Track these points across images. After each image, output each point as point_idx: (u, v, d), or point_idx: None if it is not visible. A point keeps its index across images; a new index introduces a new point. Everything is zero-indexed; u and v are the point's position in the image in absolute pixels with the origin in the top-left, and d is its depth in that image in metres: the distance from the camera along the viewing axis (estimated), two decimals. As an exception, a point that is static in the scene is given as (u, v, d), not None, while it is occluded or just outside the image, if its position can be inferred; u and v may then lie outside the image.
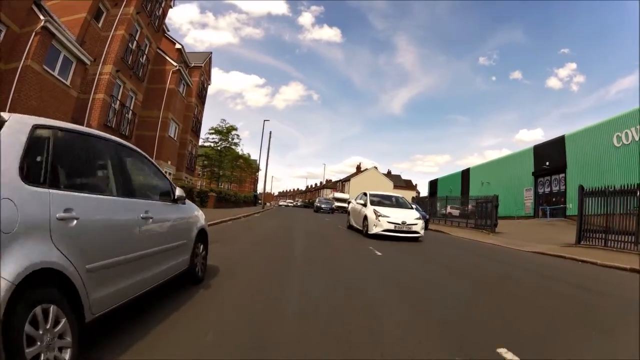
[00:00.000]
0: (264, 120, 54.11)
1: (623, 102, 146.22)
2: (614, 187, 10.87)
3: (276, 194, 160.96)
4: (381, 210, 11.68)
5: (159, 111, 23.20)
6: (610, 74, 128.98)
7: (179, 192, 3.77)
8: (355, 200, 14.62)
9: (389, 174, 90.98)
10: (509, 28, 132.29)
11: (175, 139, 25.69)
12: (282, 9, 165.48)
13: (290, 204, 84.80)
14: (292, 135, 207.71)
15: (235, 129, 40.10)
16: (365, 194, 13.36)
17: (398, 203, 13.36)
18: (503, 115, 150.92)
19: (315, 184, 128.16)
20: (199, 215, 4.51)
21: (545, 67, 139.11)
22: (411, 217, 11.67)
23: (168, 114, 23.57)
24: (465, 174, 42.58)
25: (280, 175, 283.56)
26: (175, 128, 25.83)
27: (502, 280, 6.23)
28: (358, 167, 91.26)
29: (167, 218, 3.47)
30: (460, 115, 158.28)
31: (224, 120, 41.09)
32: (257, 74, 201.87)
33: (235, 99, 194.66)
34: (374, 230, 11.21)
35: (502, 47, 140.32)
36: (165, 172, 23.72)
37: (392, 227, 11.07)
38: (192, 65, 30.88)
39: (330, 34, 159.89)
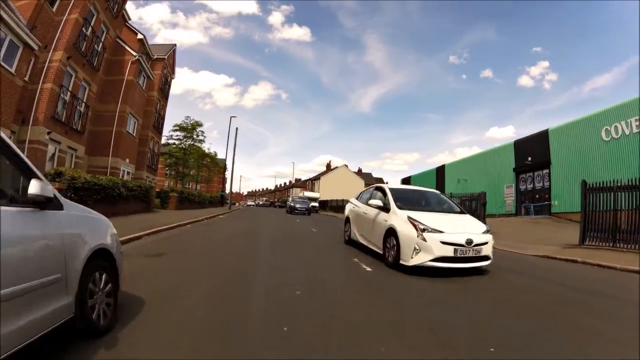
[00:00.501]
0: (231, 117, 53.01)
1: (599, 99, 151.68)
2: (621, 181, 10.13)
3: (245, 193, 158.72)
4: (422, 218, 6.44)
5: (116, 105, 21.50)
6: (583, 71, 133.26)
7: (36, 187, 2.14)
8: (359, 198, 9.62)
9: (359, 172, 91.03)
10: (481, 27, 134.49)
11: (134, 135, 23.98)
12: (252, 8, 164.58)
13: (259, 203, 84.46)
14: (262, 134, 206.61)
15: (200, 125, 38.58)
16: (380, 189, 8.28)
17: (438, 204, 8.11)
18: (474, 113, 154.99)
19: (285, 183, 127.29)
20: (97, 228, 3.02)
21: (517, 66, 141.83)
22: (475, 229, 6.57)
23: (126, 107, 21.89)
24: (440, 171, 41.89)
25: (250, 174, 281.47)
26: (134, 123, 24.11)
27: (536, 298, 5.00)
28: (328, 166, 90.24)
29: (10, 237, 1.89)
30: (432, 114, 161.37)
31: (188, 117, 39.46)
32: (227, 74, 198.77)
33: (204, 99, 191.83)
34: (415, 258, 5.99)
35: (472, 45, 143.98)
36: (123, 170, 22.14)
37: (449, 251, 5.96)
38: (155, 57, 29.13)
39: (300, 33, 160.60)
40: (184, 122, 37.88)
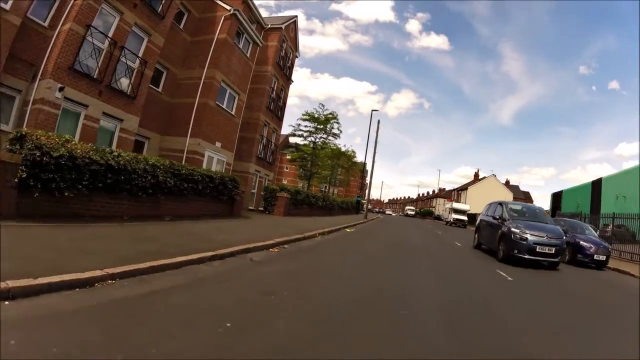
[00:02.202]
0: (372, 111, 44.65)
1: None
2: None
3: (386, 201, 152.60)
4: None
5: (202, 69, 16.17)
6: None
7: None
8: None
9: (507, 184, 78.06)
10: (604, 34, 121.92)
11: (232, 112, 18.48)
12: (389, 16, 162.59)
13: (407, 214, 77.76)
14: (404, 142, 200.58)
15: (335, 118, 32.02)
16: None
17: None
18: (603, 127, 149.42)
19: (428, 192, 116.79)
20: None
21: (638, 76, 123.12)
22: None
23: (215, 72, 16.35)
24: (597, 185, 36.02)
25: (392, 182, 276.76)
26: (234, 98, 18.64)
27: None
28: (476, 175, 79.99)
29: None
30: (565, 127, 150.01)
31: (322, 105, 32.72)
32: (369, 81, 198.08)
33: (347, 105, 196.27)
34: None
35: (599, 54, 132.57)
36: (209, 157, 15.21)
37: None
38: (269, 26, 23.72)
39: (439, 41, 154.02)
40: (315, 110, 32.08)
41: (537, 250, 9.33)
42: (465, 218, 41.54)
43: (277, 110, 25.70)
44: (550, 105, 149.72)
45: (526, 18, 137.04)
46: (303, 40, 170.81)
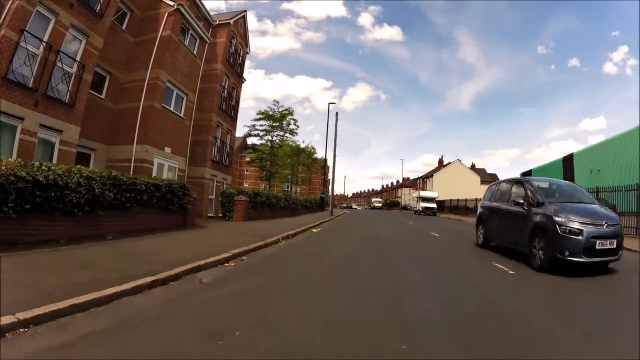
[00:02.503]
0: (329, 104, 44.25)
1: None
2: None
3: (350, 195, 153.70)
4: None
5: (145, 70, 15.04)
6: None
7: None
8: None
9: (473, 168, 78.05)
10: (561, 14, 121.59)
11: (181, 115, 17.43)
12: (340, 11, 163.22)
13: (374, 206, 77.67)
14: (363, 135, 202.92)
15: (291, 113, 31.42)
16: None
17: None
18: (565, 105, 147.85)
19: (392, 183, 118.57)
20: None
21: (599, 52, 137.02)
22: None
23: (160, 72, 15.27)
24: (568, 161, 36.56)
25: (354, 176, 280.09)
26: (182, 100, 17.59)
27: None
28: (440, 161, 79.24)
29: None
30: (526, 107, 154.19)
31: (276, 102, 32.19)
32: (323, 77, 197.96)
33: (303, 103, 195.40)
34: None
35: (556, 34, 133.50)
36: (160, 164, 12.73)
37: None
38: (217, 22, 22.68)
39: (392, 32, 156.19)
40: (270, 108, 31.25)
41: (597, 247, 6.21)
42: (434, 206, 41.59)
43: (230, 110, 24.68)
44: (510, 88, 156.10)
45: (484, 5, 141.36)
46: (256, 41, 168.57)
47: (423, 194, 45.11)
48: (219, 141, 22.52)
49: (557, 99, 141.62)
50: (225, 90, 23.38)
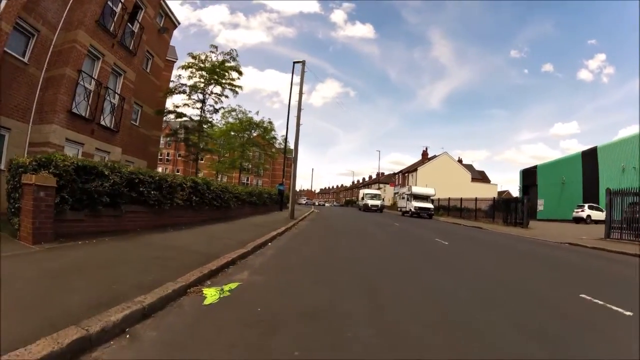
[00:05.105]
0: (294, 62, 29.45)
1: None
2: None
3: (317, 190, 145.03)
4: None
5: None
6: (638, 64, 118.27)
7: None
8: None
9: (460, 163, 67.75)
10: (538, 20, 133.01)
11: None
12: (313, 7, 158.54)
13: (336, 204, 67.87)
14: (332, 131, 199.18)
15: (235, 59, 22.08)
16: None
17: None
18: (538, 109, 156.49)
19: (363, 179, 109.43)
20: None
21: (575, 59, 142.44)
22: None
23: None
24: (590, 156, 32.18)
25: (323, 172, 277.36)
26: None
27: None
28: (424, 154, 67.95)
29: None
30: (498, 109, 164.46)
31: (214, 47, 22.62)
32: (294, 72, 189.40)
33: (272, 98, 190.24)
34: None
35: (532, 40, 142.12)
36: None
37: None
38: None
39: (364, 30, 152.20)
40: (205, 53, 21.78)
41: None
42: (430, 206, 32.76)
43: (125, 37, 15.08)
44: (482, 89, 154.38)
45: (459, 7, 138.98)
46: (227, 34, 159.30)
47: (416, 190, 35.16)
48: (93, 82, 13.45)
49: (530, 102, 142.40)
50: (120, 2, 14.20)
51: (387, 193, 69.15)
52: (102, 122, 14.15)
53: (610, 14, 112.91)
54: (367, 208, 40.70)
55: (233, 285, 4.56)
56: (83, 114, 12.95)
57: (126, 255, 5.52)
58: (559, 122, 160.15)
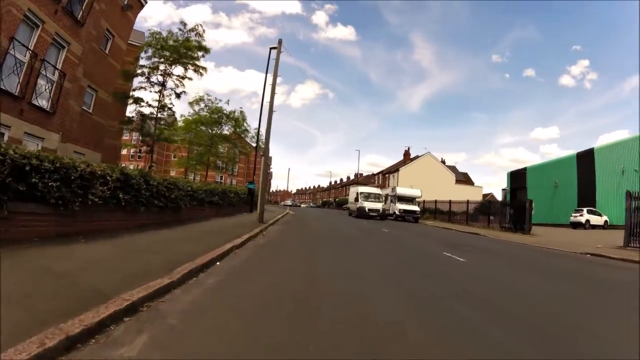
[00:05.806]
0: (270, 48, 25.14)
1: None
2: None
3: (294, 191, 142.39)
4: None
5: None
6: (622, 70, 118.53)
7: None
8: None
9: (444, 164, 66.41)
10: (521, 25, 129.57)
11: None
12: (296, 8, 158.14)
13: (312, 205, 65.00)
14: (310, 132, 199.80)
15: (201, 35, 18.84)
16: None
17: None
18: (518, 113, 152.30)
19: (341, 179, 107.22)
20: None
21: (557, 65, 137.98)
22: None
23: None
24: (586, 158, 30.76)
25: (299, 173, 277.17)
26: None
27: None
28: (406, 154, 65.76)
29: None
30: (478, 112, 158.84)
31: (183, 23, 18.73)
32: (273, 73, 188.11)
33: (251, 98, 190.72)
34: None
35: (514, 44, 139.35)
36: None
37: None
38: None
39: (345, 32, 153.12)
40: (169, 32, 18.65)
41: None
42: (416, 208, 30.12)
43: (72, 4, 12.39)
44: (462, 92, 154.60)
45: (441, 10, 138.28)
46: (209, 34, 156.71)
47: (401, 191, 32.12)
48: (28, 54, 10.33)
49: (510, 106, 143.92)
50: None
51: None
52: (35, 102, 11.29)
53: (598, 19, 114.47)
54: (363, 214, 27.66)
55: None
56: (11, 91, 10.02)
57: None
58: (539, 126, 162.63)
